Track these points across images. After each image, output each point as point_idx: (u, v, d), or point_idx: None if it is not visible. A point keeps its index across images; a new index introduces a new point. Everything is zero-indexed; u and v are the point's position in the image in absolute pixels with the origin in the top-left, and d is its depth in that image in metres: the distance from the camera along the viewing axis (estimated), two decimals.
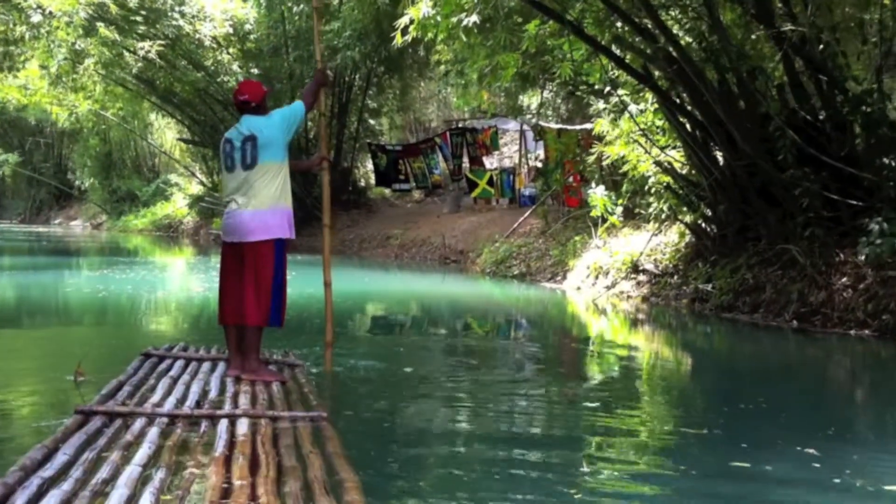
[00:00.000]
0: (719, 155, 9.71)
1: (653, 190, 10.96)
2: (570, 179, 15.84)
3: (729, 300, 8.88)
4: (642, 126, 10.21)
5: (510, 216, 17.39)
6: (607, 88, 11.22)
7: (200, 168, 28.30)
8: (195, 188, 29.42)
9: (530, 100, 20.52)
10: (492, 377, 5.96)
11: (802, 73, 8.66)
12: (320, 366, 5.59)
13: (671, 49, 8.43)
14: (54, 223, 39.22)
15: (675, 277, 10.10)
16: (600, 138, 11.17)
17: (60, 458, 3.11)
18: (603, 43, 8.92)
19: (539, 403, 5.20)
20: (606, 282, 11.14)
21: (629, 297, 10.55)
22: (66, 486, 2.83)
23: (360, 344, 7.28)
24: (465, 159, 20.20)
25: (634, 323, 9.34)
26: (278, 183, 4.75)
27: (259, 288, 4.69)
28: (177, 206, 30.02)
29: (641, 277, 10.66)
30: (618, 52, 9.35)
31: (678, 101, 9.26)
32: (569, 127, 17.25)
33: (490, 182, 19.48)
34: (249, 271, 4.71)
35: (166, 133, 32.23)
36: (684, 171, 10.41)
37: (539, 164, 19.18)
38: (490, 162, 21.20)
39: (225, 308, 4.87)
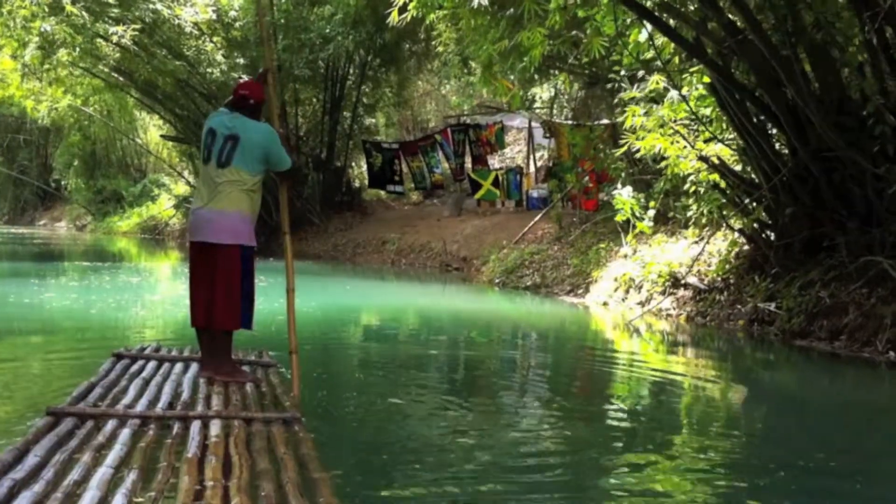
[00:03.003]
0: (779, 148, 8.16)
1: (692, 190, 9.37)
2: (587, 180, 14.33)
3: (801, 323, 7.25)
4: (687, 113, 8.64)
5: (518, 220, 15.88)
6: (641, 73, 9.65)
7: (188, 168, 26.84)
8: (182, 188, 28.09)
9: (529, 95, 18.95)
10: (491, 394, 5.46)
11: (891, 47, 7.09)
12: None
13: (735, 15, 6.89)
14: (39, 224, 38.67)
15: (726, 294, 8.49)
16: (633, 131, 9.55)
17: (31, 459, 3.09)
18: (648, 6, 7.35)
19: (546, 440, 4.33)
20: (639, 297, 9.56)
21: (668, 315, 8.97)
22: (38, 487, 2.82)
23: (344, 352, 7.03)
24: (468, 158, 18.74)
25: (677, 347, 7.82)
26: (246, 191, 4.64)
27: (229, 294, 4.60)
28: (163, 207, 28.87)
29: (683, 293, 9.06)
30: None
31: (739, 80, 7.67)
32: (585, 123, 15.72)
33: (495, 183, 18.02)
34: (220, 276, 4.59)
35: (152, 131, 30.83)
36: (737, 168, 8.81)
37: (550, 164, 17.68)
38: (492, 162, 19.71)
39: (196, 311, 4.73)
